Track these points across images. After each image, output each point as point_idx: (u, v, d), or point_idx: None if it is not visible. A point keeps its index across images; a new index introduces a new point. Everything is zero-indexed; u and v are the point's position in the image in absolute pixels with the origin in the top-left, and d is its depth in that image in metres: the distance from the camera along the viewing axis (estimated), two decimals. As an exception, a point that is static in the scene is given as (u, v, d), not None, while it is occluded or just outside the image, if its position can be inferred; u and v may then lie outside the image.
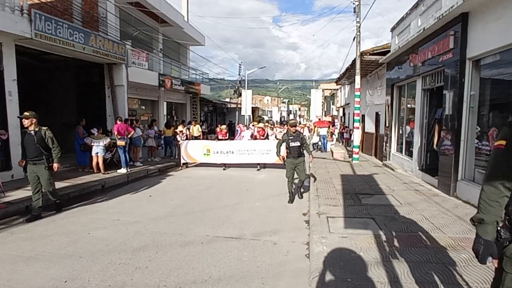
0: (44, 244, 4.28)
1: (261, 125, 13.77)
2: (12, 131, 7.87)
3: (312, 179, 8.12)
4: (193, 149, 11.21)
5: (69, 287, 3.18)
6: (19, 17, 7.56)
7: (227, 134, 12.40)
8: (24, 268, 3.59)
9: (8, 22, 7.29)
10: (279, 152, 6.83)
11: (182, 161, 11.24)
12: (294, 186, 6.72)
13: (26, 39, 7.82)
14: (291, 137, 6.49)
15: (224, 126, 13.13)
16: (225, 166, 11.13)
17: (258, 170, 10.89)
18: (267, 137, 13.48)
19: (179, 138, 11.76)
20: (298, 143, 6.44)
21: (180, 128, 12.58)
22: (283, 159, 6.73)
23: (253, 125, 15.37)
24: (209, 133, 19.42)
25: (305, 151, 6.71)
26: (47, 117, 12.40)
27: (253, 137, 13.06)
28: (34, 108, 11.76)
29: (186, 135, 12.51)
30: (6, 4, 7.34)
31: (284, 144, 6.68)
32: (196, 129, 14.28)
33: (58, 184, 7.46)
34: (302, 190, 7.05)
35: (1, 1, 7.26)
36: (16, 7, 7.54)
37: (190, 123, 15.46)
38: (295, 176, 6.65)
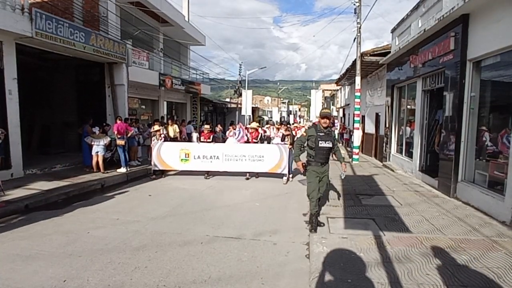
0: (43, 243, 4.27)
1: (254, 125, 10.46)
2: (12, 129, 7.87)
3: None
4: (168, 154, 9.19)
5: (68, 286, 3.17)
6: (20, 15, 7.56)
7: (211, 137, 9.55)
8: (23, 267, 3.58)
9: (8, 21, 7.28)
10: (299, 155, 4.73)
11: (154, 168, 9.17)
12: (317, 208, 4.77)
13: (26, 37, 7.81)
14: (321, 134, 4.51)
15: (207, 126, 9.93)
16: (208, 174, 9.21)
17: (247, 179, 8.98)
18: (267, 140, 11.15)
19: (152, 141, 9.49)
20: (330, 144, 4.55)
21: (156, 127, 9.83)
22: (304, 166, 4.73)
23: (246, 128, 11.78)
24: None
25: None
26: (47, 116, 12.46)
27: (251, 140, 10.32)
28: (34, 107, 11.90)
29: (165, 136, 9.96)
30: (7, 3, 7.34)
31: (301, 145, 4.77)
32: (172, 130, 11.78)
33: (58, 183, 7.49)
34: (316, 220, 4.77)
35: (2, 0, 7.26)
36: (17, 5, 7.54)
37: (155, 120, 11.88)
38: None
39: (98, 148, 8.85)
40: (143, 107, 16.20)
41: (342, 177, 5.31)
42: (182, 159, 9.18)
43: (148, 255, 3.90)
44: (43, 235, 4.54)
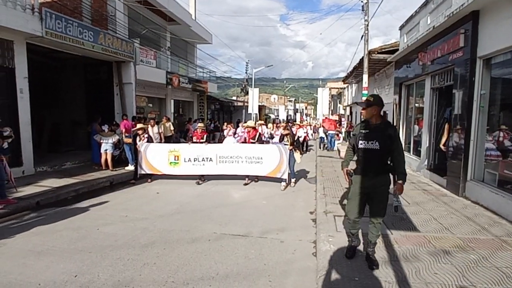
0: (54, 239, 4.35)
1: (250, 123, 9.20)
2: (23, 127, 8.02)
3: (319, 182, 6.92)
4: (155, 156, 8.23)
5: (79, 281, 3.24)
6: (30, 15, 7.68)
7: (205, 137, 8.57)
8: (35, 262, 3.66)
9: (19, 21, 7.41)
10: (348, 161, 3.60)
11: (141, 172, 8.26)
12: (356, 229, 3.54)
13: (37, 37, 7.93)
14: (364, 131, 3.31)
15: (201, 125, 9.05)
16: (201, 179, 8.25)
17: (246, 184, 8.05)
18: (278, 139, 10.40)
19: (137, 141, 8.35)
20: (376, 145, 3.22)
21: (138, 125, 8.64)
22: (348, 175, 3.50)
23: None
24: (215, 131, 19.40)
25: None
26: (57, 115, 12.65)
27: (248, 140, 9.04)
28: (44, 106, 12.09)
29: (149, 137, 8.82)
30: (17, 3, 7.46)
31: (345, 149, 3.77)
32: (168, 128, 11.75)
33: (67, 181, 7.61)
34: (373, 252, 3.46)
35: (13, 0, 7.38)
36: (27, 5, 7.66)
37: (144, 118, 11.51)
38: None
39: (107, 146, 8.96)
40: (151, 105, 16.35)
41: (394, 204, 3.33)
42: (171, 162, 8.24)
43: (157, 252, 3.95)
44: (54, 231, 4.63)
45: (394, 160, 3.30)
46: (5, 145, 5.91)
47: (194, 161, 8.18)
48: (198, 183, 8.07)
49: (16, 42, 7.80)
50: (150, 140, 8.80)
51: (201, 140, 8.43)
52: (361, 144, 3.30)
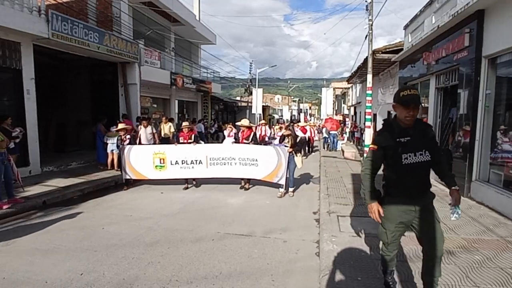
0: (60, 237, 4.41)
1: (245, 122, 7.76)
2: (30, 128, 8.13)
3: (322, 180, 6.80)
4: (139, 160, 7.45)
5: (84, 279, 3.28)
6: (37, 17, 7.78)
7: (193, 137, 7.80)
8: (41, 260, 3.72)
9: (26, 23, 7.51)
10: (370, 191, 2.56)
11: (125, 177, 7.54)
12: (394, 265, 2.78)
13: (43, 39, 8.04)
14: (404, 140, 2.41)
15: (186, 123, 8.06)
16: (188, 183, 7.65)
17: (242, 188, 7.54)
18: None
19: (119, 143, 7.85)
20: (427, 156, 2.42)
21: (121, 125, 7.83)
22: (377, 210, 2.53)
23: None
24: (219, 131, 19.46)
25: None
26: (63, 115, 12.79)
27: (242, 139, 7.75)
28: (50, 106, 12.22)
29: (134, 138, 8.16)
30: (24, 5, 7.57)
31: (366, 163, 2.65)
32: (167, 128, 11.06)
33: (73, 180, 7.69)
34: None
35: (20, 2, 7.49)
36: (34, 7, 7.76)
37: (138, 119, 10.60)
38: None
39: (113, 147, 9.03)
40: (155, 105, 16.44)
41: (453, 218, 2.62)
42: (156, 166, 7.48)
43: (161, 251, 3.99)
44: (60, 230, 4.70)
45: (441, 164, 2.55)
46: (12, 144, 6.00)
47: (182, 163, 7.46)
48: (186, 188, 7.53)
49: (23, 44, 7.91)
50: (133, 141, 7.87)
51: (189, 141, 7.66)
52: (407, 158, 2.39)
